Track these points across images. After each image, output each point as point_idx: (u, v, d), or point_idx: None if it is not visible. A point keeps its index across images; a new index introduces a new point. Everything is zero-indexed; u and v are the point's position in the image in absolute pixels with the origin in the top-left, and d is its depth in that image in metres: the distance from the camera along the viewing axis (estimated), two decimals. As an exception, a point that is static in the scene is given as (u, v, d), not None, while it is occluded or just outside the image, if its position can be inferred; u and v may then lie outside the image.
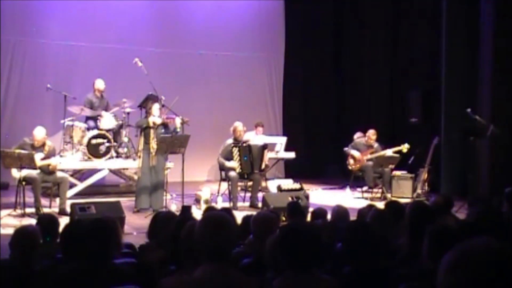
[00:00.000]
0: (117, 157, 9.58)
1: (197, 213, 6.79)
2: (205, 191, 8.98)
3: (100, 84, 9.86)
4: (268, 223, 3.95)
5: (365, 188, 10.22)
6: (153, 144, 8.29)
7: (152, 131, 8.34)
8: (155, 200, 8.37)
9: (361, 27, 12.97)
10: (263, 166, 9.27)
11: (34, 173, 7.85)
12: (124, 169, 10.01)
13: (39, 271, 3.36)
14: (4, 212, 7.64)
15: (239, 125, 9.19)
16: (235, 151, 8.89)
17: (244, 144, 9.03)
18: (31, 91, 10.78)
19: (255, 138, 10.29)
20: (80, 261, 3.20)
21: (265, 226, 3.89)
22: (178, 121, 8.54)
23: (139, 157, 8.47)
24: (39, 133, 8.01)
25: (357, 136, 10.84)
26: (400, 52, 12.29)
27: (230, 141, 9.11)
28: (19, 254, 3.55)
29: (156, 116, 8.38)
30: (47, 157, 8.01)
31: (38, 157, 7.84)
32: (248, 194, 9.27)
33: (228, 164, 8.93)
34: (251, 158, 8.94)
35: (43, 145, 8.03)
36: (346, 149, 10.68)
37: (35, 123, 8.46)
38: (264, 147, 9.28)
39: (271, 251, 3.11)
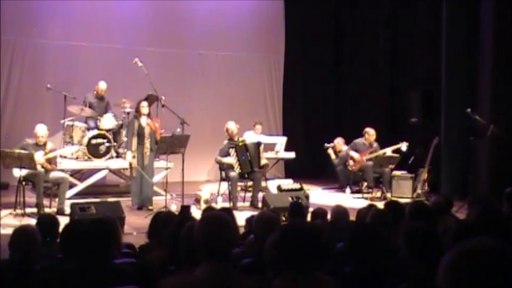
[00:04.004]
0: (117, 157, 9.58)
1: (197, 213, 6.79)
2: (205, 191, 9.00)
3: (102, 85, 9.86)
4: (270, 223, 3.95)
5: (365, 185, 10.23)
6: (147, 144, 8.37)
7: (146, 131, 8.40)
8: (146, 198, 8.49)
9: (361, 27, 12.96)
10: (262, 163, 9.27)
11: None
12: (124, 169, 10.00)
13: (39, 271, 3.36)
14: (4, 212, 7.64)
15: (231, 124, 9.21)
16: (232, 151, 8.89)
17: (240, 144, 9.03)
18: (31, 91, 10.77)
19: (254, 137, 10.28)
20: (80, 261, 3.20)
21: (266, 226, 3.88)
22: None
23: (133, 157, 8.49)
24: (41, 129, 8.02)
25: (337, 141, 10.95)
26: (400, 52, 12.29)
27: (226, 141, 9.13)
28: (18, 254, 3.55)
29: (145, 114, 8.47)
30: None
31: (38, 155, 7.84)
32: (248, 194, 9.27)
33: (226, 160, 8.93)
34: (249, 156, 8.94)
35: (45, 144, 8.03)
36: (327, 145, 10.83)
37: (35, 123, 8.45)
38: (259, 144, 9.27)
39: (271, 251, 3.10)
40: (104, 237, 3.22)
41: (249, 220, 4.83)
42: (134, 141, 8.47)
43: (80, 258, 3.23)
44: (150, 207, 8.33)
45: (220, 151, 9.06)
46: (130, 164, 8.55)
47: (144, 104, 8.57)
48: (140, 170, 8.40)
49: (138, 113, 8.57)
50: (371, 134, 10.23)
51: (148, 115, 8.61)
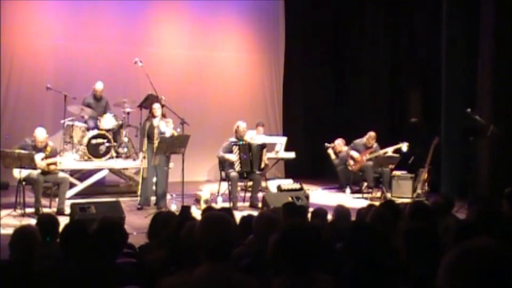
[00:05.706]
0: (117, 157, 9.59)
1: (197, 213, 6.79)
2: (205, 191, 8.99)
3: (98, 86, 9.86)
4: (270, 223, 3.94)
5: (365, 185, 10.22)
6: (157, 144, 8.42)
7: (155, 131, 8.44)
8: (159, 198, 8.49)
9: (361, 27, 12.97)
10: (262, 166, 9.27)
11: (35, 173, 7.85)
12: (124, 169, 10.01)
13: (39, 271, 3.36)
14: (4, 212, 7.63)
15: (241, 124, 9.20)
16: (235, 149, 8.91)
17: (244, 143, 9.03)
18: (31, 91, 10.77)
19: (255, 137, 10.29)
20: (80, 262, 3.20)
21: (267, 226, 3.88)
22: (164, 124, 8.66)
23: (144, 157, 8.51)
24: (41, 133, 7.99)
25: (337, 142, 10.99)
26: (400, 52, 12.29)
27: (232, 139, 9.13)
28: (19, 255, 3.55)
29: (159, 115, 8.54)
30: (49, 157, 8.01)
31: (38, 157, 7.84)
32: (248, 194, 9.27)
33: (228, 156, 8.92)
34: (251, 156, 8.95)
35: (46, 146, 8.03)
36: (327, 145, 10.86)
37: (35, 123, 8.46)
38: (263, 146, 9.27)
39: (272, 251, 3.10)
40: (113, 238, 3.22)
41: (244, 220, 4.81)
42: (145, 141, 8.52)
43: (80, 258, 3.23)
44: (162, 207, 8.32)
45: (223, 147, 9.07)
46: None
47: (156, 106, 8.59)
48: (138, 177, 8.44)
49: (151, 114, 8.62)
50: (372, 137, 10.25)
51: (163, 115, 8.64)
